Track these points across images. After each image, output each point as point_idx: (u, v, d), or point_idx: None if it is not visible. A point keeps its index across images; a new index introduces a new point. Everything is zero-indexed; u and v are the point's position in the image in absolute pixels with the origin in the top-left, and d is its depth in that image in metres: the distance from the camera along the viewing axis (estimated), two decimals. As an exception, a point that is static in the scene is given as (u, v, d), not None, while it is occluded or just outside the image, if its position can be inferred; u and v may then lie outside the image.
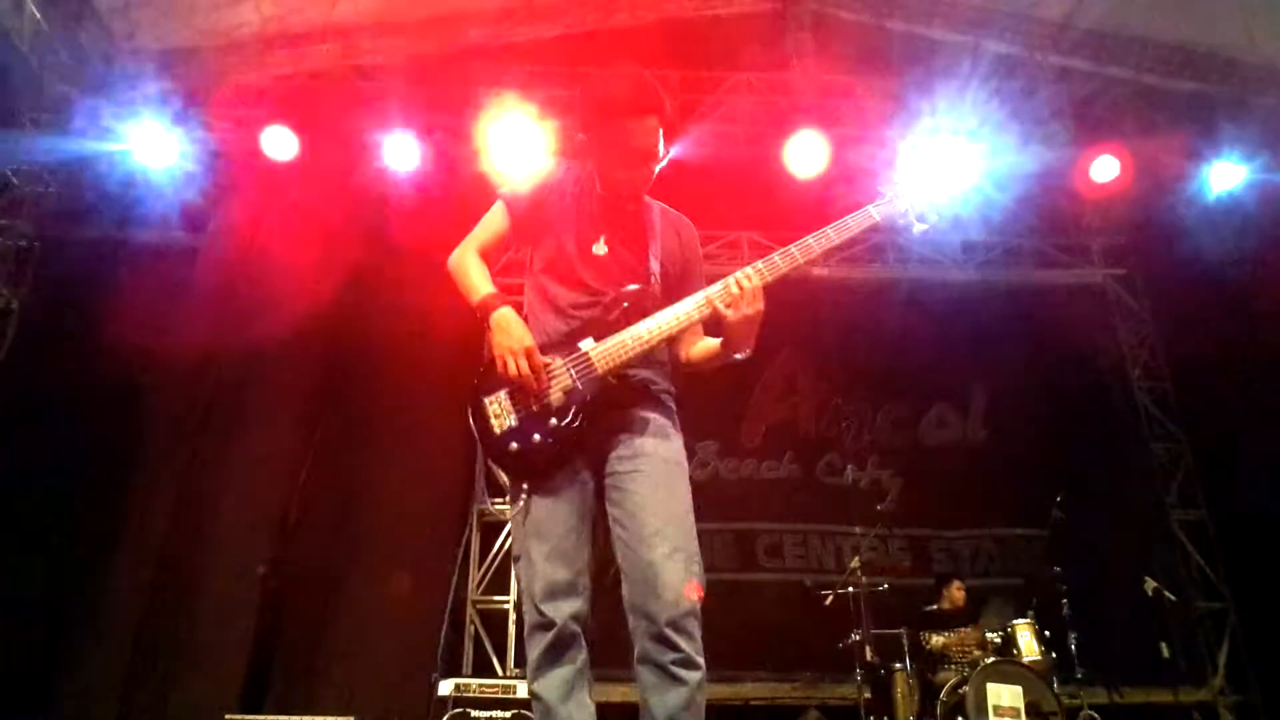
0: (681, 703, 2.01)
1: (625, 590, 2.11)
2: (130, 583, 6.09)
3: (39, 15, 5.93)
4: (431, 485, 6.83)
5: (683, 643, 2.02)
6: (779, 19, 7.42)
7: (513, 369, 2.17)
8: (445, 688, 5.20)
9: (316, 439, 6.74)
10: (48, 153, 6.53)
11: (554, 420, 2.17)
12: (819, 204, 7.38)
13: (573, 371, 2.20)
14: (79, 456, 6.12)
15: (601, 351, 2.20)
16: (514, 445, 2.19)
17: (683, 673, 2.02)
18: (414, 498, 6.67)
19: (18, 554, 5.72)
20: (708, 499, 6.78)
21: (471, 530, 6.89)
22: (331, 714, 5.56)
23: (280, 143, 6.54)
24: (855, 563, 5.52)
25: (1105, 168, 6.92)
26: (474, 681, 5.26)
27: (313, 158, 6.67)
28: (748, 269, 2.25)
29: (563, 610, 2.10)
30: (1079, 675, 5.31)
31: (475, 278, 2.38)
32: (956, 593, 5.96)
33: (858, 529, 6.06)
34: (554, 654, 2.10)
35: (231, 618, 6.06)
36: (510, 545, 6.71)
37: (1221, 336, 6.95)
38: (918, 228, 2.34)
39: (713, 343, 2.36)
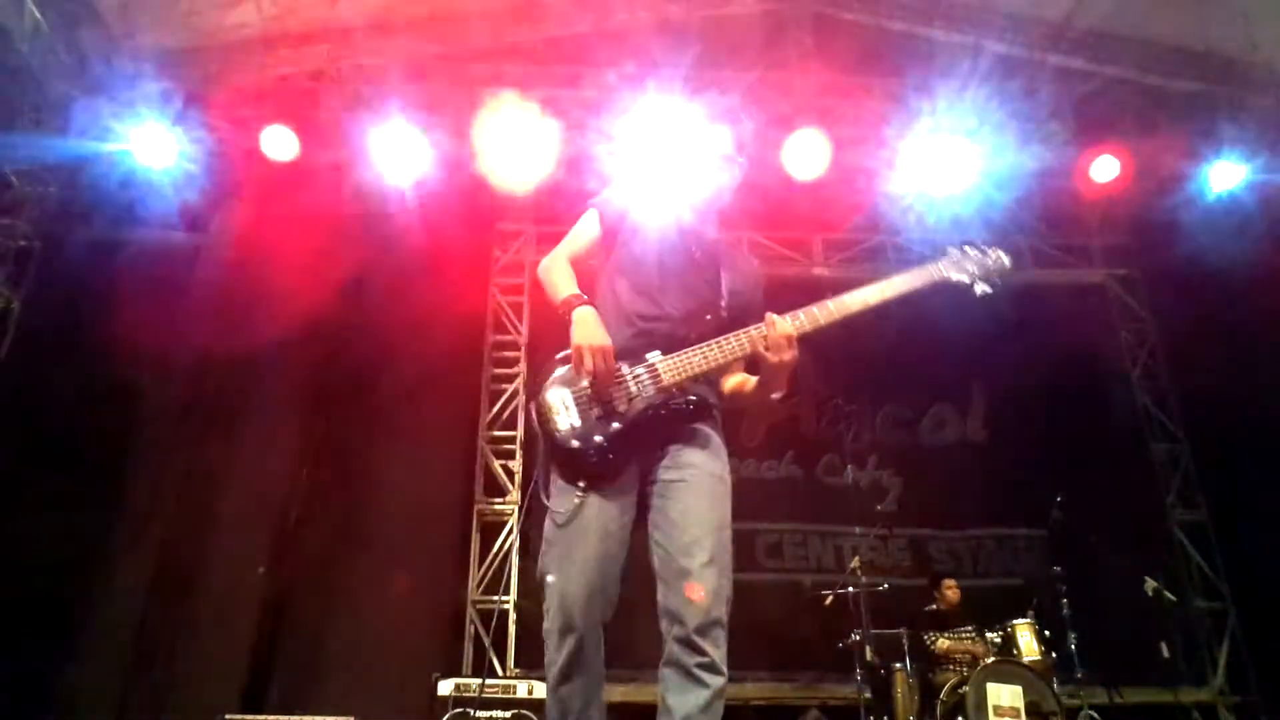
0: (700, 705, 2.07)
1: (660, 593, 2.18)
2: (130, 583, 6.08)
3: (39, 15, 5.92)
4: (431, 485, 6.83)
5: (709, 648, 2.09)
6: (779, 19, 7.42)
7: (590, 363, 2.21)
8: (445, 688, 5.20)
9: (316, 438, 6.74)
10: (48, 153, 6.52)
11: (616, 425, 2.23)
12: (819, 204, 7.41)
13: (640, 380, 2.27)
14: (79, 456, 6.12)
15: (668, 365, 2.27)
16: (577, 444, 2.23)
17: (706, 676, 2.08)
18: (414, 498, 6.67)
19: (18, 554, 5.72)
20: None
21: (472, 530, 6.90)
22: (331, 714, 5.56)
23: (280, 143, 6.54)
24: (855, 563, 5.52)
25: (1105, 168, 6.92)
26: (474, 681, 5.26)
27: (313, 158, 6.67)
28: (789, 317, 2.30)
29: (593, 616, 2.16)
30: (1079, 675, 5.30)
31: (561, 279, 2.42)
32: (949, 591, 5.96)
33: (858, 529, 6.05)
34: (580, 659, 2.15)
35: (231, 618, 6.07)
36: (510, 546, 6.79)
37: (1221, 337, 6.95)
38: (980, 290, 2.41)
39: (750, 379, 2.46)
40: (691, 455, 2.30)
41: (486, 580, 6.78)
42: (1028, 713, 4.85)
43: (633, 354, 2.30)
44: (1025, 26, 7.07)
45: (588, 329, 2.27)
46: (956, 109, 6.80)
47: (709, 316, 2.36)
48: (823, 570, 6.74)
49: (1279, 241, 6.76)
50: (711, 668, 2.09)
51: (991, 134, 6.90)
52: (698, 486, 2.27)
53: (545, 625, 2.21)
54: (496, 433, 7.13)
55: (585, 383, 2.26)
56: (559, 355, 2.31)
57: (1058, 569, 5.62)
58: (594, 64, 7.10)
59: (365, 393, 6.81)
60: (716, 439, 2.39)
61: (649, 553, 2.25)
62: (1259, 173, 6.93)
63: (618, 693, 5.97)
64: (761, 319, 2.32)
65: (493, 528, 6.96)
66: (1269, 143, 6.89)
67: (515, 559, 6.50)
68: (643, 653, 6.77)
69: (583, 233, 2.52)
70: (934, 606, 5.91)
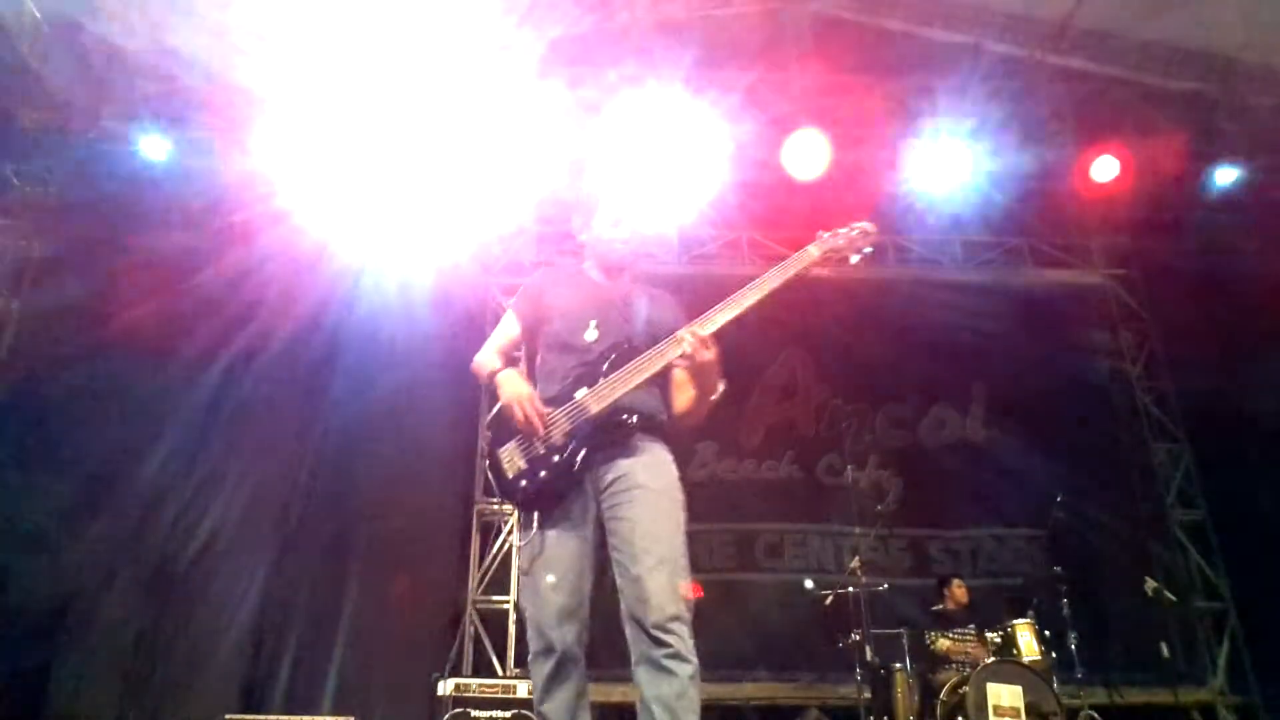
0: (675, 692, 2.17)
1: (622, 605, 2.32)
2: (130, 583, 6.09)
3: (39, 15, 5.93)
4: (431, 485, 6.83)
5: (671, 640, 2.21)
6: (779, 19, 7.42)
7: (518, 413, 2.44)
8: (445, 688, 5.20)
9: (316, 438, 6.74)
10: (48, 153, 6.53)
11: (556, 458, 2.42)
12: (819, 204, 7.40)
13: (571, 416, 2.46)
14: (79, 456, 6.12)
15: (593, 394, 2.46)
16: (524, 483, 2.45)
17: (674, 665, 2.19)
18: (414, 498, 6.67)
19: (18, 554, 5.72)
20: (708, 499, 6.83)
21: (471, 530, 6.90)
22: (331, 714, 5.57)
23: (279, 142, 6.53)
24: (855, 563, 5.51)
25: (1105, 168, 6.93)
26: (474, 681, 5.27)
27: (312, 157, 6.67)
28: (695, 323, 2.48)
29: (567, 636, 2.33)
30: (1079, 675, 5.31)
31: (486, 362, 2.68)
32: (959, 591, 5.95)
33: (858, 529, 6.05)
34: (559, 676, 2.33)
35: (231, 618, 6.06)
36: (510, 546, 6.79)
37: (1221, 337, 6.95)
38: (854, 258, 2.66)
39: (692, 391, 2.61)
40: (636, 474, 2.43)
41: (486, 580, 6.78)
42: (1028, 713, 4.84)
43: (562, 399, 2.49)
44: (1025, 26, 7.07)
45: (511, 385, 2.50)
46: (956, 109, 6.80)
47: (627, 346, 2.53)
48: (823, 570, 6.73)
49: (1279, 241, 6.76)
50: (678, 656, 2.20)
51: (991, 134, 6.91)
52: (644, 501, 2.39)
53: (529, 654, 2.41)
54: (496, 433, 7.13)
55: (524, 433, 2.48)
56: (489, 416, 2.51)
57: (1058, 569, 5.62)
58: (594, 64, 7.10)
59: (365, 393, 6.81)
60: (660, 450, 2.52)
61: (611, 571, 2.40)
62: (1259, 173, 6.93)
63: (618, 693, 5.96)
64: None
65: (493, 528, 6.96)
66: (1269, 143, 6.89)
67: (515, 559, 6.50)
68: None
69: (504, 333, 2.78)
70: (941, 606, 5.90)
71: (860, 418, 7.34)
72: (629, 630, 2.29)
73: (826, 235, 2.66)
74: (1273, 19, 6.36)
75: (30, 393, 6.19)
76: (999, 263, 8.08)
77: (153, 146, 6.53)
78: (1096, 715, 5.32)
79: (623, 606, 2.33)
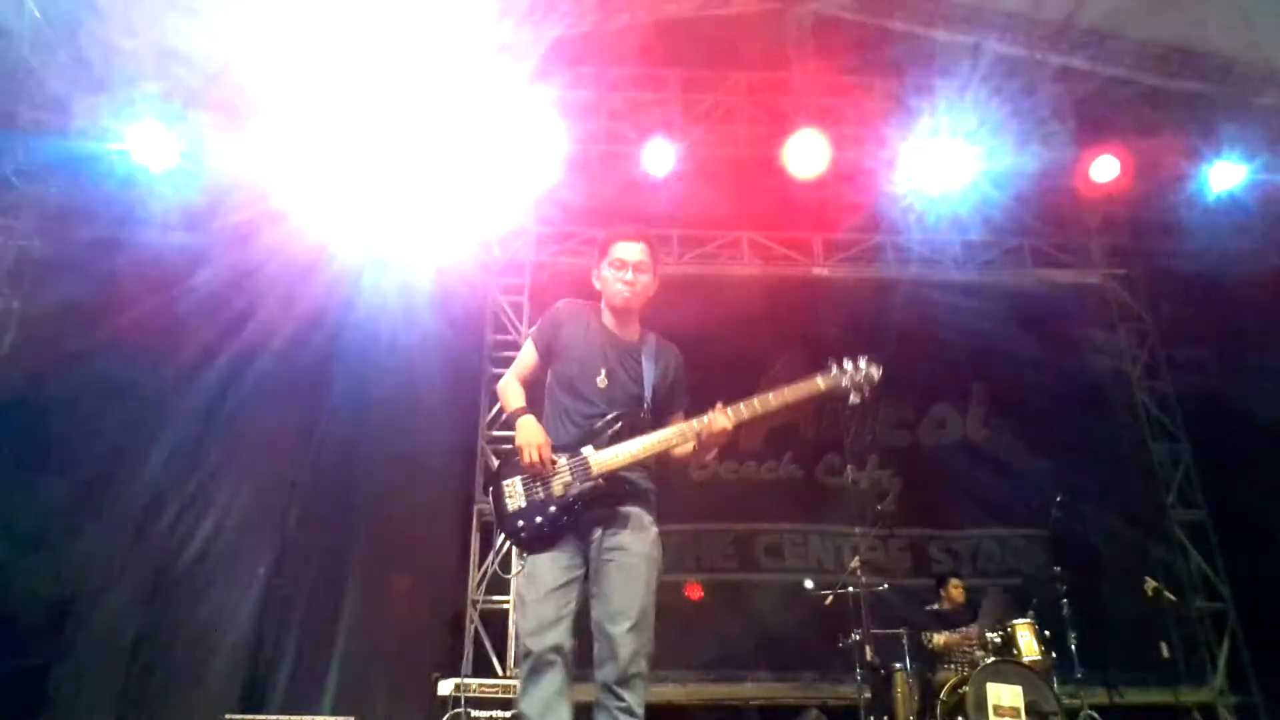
0: None
1: (594, 648, 2.66)
2: (130, 583, 6.09)
3: (39, 15, 5.92)
4: (431, 485, 6.83)
5: (628, 696, 2.56)
6: (779, 19, 7.42)
7: (529, 458, 2.73)
8: (445, 688, 5.20)
9: (316, 439, 6.74)
10: (48, 153, 6.52)
11: (554, 509, 2.72)
12: (819, 204, 7.41)
13: (574, 471, 2.75)
14: (79, 456, 6.12)
15: (598, 459, 2.75)
16: (520, 523, 2.74)
17: (626, 719, 2.56)
18: (414, 498, 6.67)
19: (18, 554, 5.71)
20: (708, 499, 6.84)
21: (471, 530, 6.90)
22: (331, 714, 5.57)
23: (279, 142, 6.53)
24: (855, 563, 5.52)
25: (1105, 168, 6.92)
26: (474, 681, 5.27)
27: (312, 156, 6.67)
28: (721, 414, 2.78)
29: (545, 641, 2.58)
30: (1079, 675, 5.31)
31: (511, 396, 2.97)
32: (955, 591, 5.96)
33: (858, 529, 6.06)
34: (535, 677, 2.58)
35: (231, 618, 6.06)
36: (510, 545, 6.77)
37: (1221, 337, 6.95)
38: (854, 399, 2.85)
39: (693, 448, 2.89)
40: (621, 536, 2.72)
41: (486, 580, 6.77)
42: (1028, 713, 4.85)
43: (571, 448, 2.78)
44: (1025, 26, 7.07)
45: (527, 432, 2.78)
46: (956, 109, 6.80)
47: (636, 410, 2.84)
48: (823, 570, 6.74)
49: (1279, 241, 6.76)
50: (629, 711, 2.55)
51: (991, 134, 6.91)
52: (625, 565, 2.69)
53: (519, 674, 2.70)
54: (496, 433, 7.11)
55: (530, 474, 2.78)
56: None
57: (1058, 569, 5.62)
58: (594, 64, 7.10)
59: (365, 392, 6.81)
60: (646, 517, 2.80)
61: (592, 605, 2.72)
62: (1259, 173, 6.93)
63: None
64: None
65: (493, 528, 6.96)
66: (1269, 143, 6.89)
67: (515, 561, 6.49)
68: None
69: (524, 360, 3.06)
70: (937, 606, 5.91)
71: (860, 418, 7.34)
72: (597, 672, 2.63)
73: (835, 370, 2.86)
74: (1273, 19, 6.36)
75: (30, 393, 6.18)
76: (999, 263, 8.09)
77: (152, 146, 6.52)
78: (1096, 715, 5.33)
79: (594, 649, 2.66)
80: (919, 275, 7.96)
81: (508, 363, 3.20)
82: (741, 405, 2.78)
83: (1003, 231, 7.92)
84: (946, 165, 6.96)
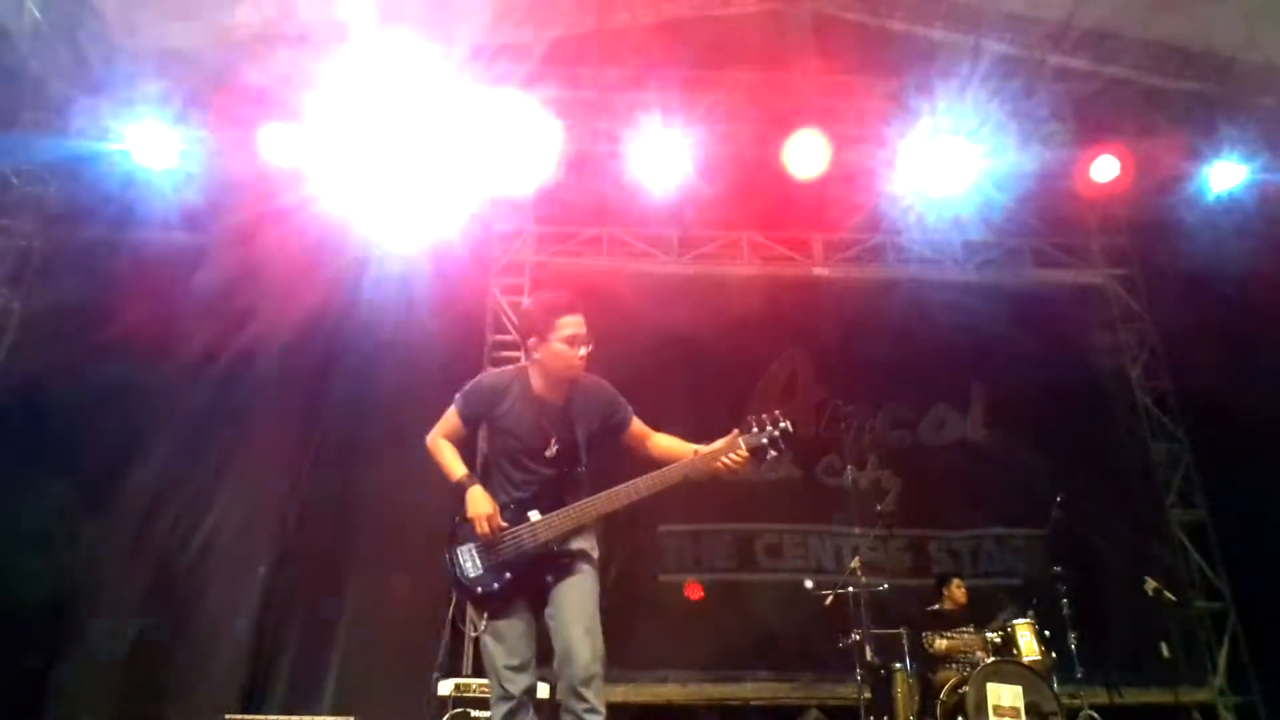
0: None
1: (555, 660, 2.89)
2: (131, 582, 6.09)
3: (39, 15, 5.93)
4: (431, 485, 6.79)
5: (589, 695, 2.79)
6: (779, 19, 7.42)
7: (480, 529, 2.94)
8: (445, 688, 5.20)
9: (316, 439, 6.74)
10: (48, 153, 6.53)
11: (508, 574, 2.94)
12: (819, 204, 7.41)
13: (522, 536, 2.96)
14: (79, 456, 6.12)
15: (544, 523, 2.95)
16: (479, 588, 2.96)
17: (590, 717, 2.78)
18: (413, 497, 6.64)
19: (19, 554, 5.72)
20: (708, 499, 6.82)
21: (471, 530, 6.88)
22: (331, 714, 5.57)
23: (279, 143, 6.54)
24: (855, 563, 5.51)
25: (1105, 168, 6.93)
26: (474, 681, 5.27)
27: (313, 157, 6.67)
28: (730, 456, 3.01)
29: (519, 685, 2.89)
30: (1079, 675, 5.30)
31: (450, 461, 3.18)
32: (957, 591, 5.95)
33: (857, 529, 6.05)
34: (513, 716, 2.86)
35: (231, 618, 6.06)
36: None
37: (1221, 336, 6.94)
38: (772, 453, 3.00)
39: (679, 449, 3.11)
40: (570, 578, 2.95)
41: (486, 580, 6.76)
42: (1028, 713, 4.85)
43: (518, 513, 2.98)
44: (1025, 26, 7.07)
45: (476, 503, 2.97)
46: (956, 109, 6.80)
47: (574, 470, 3.03)
48: (823, 570, 6.73)
49: (1279, 242, 6.75)
50: (593, 710, 2.78)
51: (991, 134, 6.91)
52: (574, 584, 2.94)
53: (491, 697, 2.96)
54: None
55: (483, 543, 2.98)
56: (457, 518, 3.04)
57: (1058, 569, 5.61)
58: (594, 64, 7.10)
59: (365, 392, 6.81)
60: (588, 568, 3.00)
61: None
62: (1259, 173, 6.93)
63: (618, 693, 5.99)
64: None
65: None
66: (1269, 143, 6.90)
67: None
68: (640, 654, 6.80)
69: (449, 423, 3.22)
70: (938, 606, 5.90)
71: (860, 417, 7.34)
72: (560, 682, 2.87)
73: (754, 429, 3.01)
74: (1273, 19, 6.36)
75: (30, 393, 6.18)
76: (999, 263, 8.08)
77: (153, 146, 6.52)
78: (1096, 715, 5.32)
79: (555, 662, 2.89)
80: (919, 275, 7.94)
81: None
82: (653, 477, 2.93)
83: (1003, 231, 7.92)
84: (947, 165, 6.95)
